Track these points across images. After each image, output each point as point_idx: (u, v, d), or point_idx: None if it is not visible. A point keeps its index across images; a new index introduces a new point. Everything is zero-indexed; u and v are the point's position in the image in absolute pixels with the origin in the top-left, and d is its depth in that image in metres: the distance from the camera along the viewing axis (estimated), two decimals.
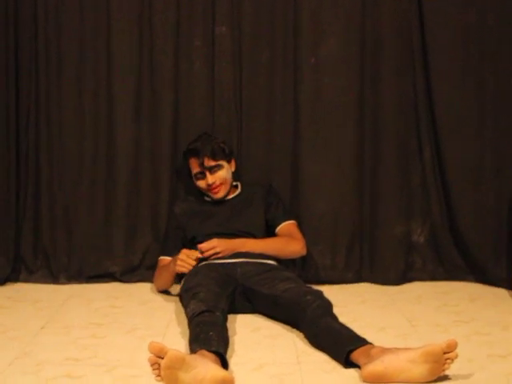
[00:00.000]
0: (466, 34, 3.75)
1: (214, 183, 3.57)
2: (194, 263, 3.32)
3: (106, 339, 2.90)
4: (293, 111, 3.83)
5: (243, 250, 3.43)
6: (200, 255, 3.36)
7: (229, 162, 3.65)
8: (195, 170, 3.61)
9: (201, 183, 3.61)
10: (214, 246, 3.39)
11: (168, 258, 3.55)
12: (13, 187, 3.82)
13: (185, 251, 3.35)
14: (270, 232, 3.64)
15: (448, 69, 3.76)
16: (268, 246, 3.50)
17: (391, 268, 3.82)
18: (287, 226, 3.63)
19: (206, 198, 3.69)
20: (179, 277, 3.45)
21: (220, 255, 3.39)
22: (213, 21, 3.80)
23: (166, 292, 3.61)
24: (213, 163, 3.56)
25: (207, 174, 3.56)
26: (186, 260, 3.31)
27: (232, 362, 2.61)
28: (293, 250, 3.57)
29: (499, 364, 2.59)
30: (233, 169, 3.69)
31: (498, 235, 3.78)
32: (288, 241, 3.57)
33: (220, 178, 3.58)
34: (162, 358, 2.28)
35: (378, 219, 3.85)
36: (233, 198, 3.68)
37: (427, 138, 3.84)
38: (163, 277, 3.53)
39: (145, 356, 2.31)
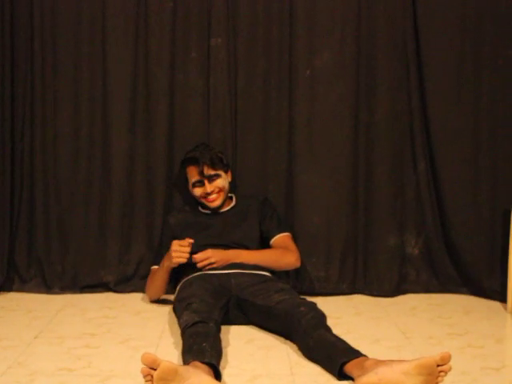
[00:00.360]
0: (461, 48, 3.76)
1: (212, 191, 3.57)
2: (188, 250, 3.33)
3: (100, 349, 2.90)
4: (288, 123, 3.84)
5: (237, 260, 3.43)
6: (192, 241, 3.36)
7: (226, 172, 3.66)
8: (194, 178, 3.61)
9: (198, 191, 3.61)
10: (209, 256, 3.39)
11: None
12: (7, 196, 3.81)
13: (176, 241, 3.36)
14: (264, 244, 3.64)
15: (443, 81, 3.77)
16: (262, 257, 3.50)
17: (385, 280, 3.82)
18: (282, 237, 3.63)
19: (202, 210, 3.69)
20: (173, 284, 3.45)
21: (214, 265, 3.39)
22: (208, 32, 3.81)
23: (158, 301, 3.61)
24: (212, 172, 3.57)
25: (206, 182, 3.57)
26: (179, 249, 3.32)
27: (225, 373, 2.61)
28: (287, 262, 3.57)
29: (492, 377, 2.59)
30: (229, 179, 3.69)
31: (492, 248, 3.78)
32: (282, 253, 3.57)
33: (218, 186, 3.58)
34: (155, 370, 2.27)
35: (372, 231, 3.85)
36: (228, 211, 3.68)
37: (422, 151, 3.85)
38: (157, 280, 3.52)
39: (138, 366, 2.31)
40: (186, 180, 3.68)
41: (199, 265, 3.37)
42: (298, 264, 3.59)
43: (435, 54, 3.76)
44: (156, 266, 3.60)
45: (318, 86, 3.81)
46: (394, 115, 3.83)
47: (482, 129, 3.78)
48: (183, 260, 3.34)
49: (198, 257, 3.39)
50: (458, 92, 3.78)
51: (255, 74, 3.85)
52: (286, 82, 3.83)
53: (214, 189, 3.58)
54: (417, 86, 3.82)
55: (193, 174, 3.61)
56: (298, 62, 3.79)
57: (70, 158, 3.86)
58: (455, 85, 3.78)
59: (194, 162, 3.59)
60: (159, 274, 3.50)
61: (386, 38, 3.78)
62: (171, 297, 3.50)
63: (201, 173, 3.56)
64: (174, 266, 3.39)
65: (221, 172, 3.61)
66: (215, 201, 3.60)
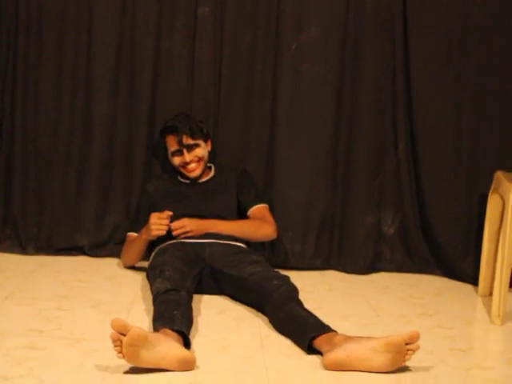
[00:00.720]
0: (448, 29, 3.75)
1: (191, 161, 3.56)
2: (167, 222, 3.34)
3: (71, 312, 2.90)
4: (271, 97, 3.82)
5: (213, 230, 3.43)
6: (171, 213, 3.36)
7: (206, 141, 3.65)
8: (173, 147, 3.60)
9: (177, 160, 3.59)
10: (185, 224, 3.39)
11: (136, 235, 3.55)
12: None
13: (154, 214, 3.37)
14: (241, 216, 3.63)
15: (428, 63, 3.76)
16: (239, 227, 3.50)
17: (360, 257, 3.84)
18: (259, 209, 3.63)
19: (181, 179, 3.67)
20: (149, 251, 3.45)
21: (190, 234, 3.39)
22: (196, 1, 3.78)
23: (132, 268, 3.61)
24: (191, 141, 3.55)
25: (185, 151, 3.55)
26: (159, 222, 3.33)
27: (195, 342, 2.62)
28: (264, 233, 3.57)
29: (460, 358, 2.61)
30: (209, 148, 3.68)
31: (467, 232, 3.80)
32: (259, 224, 3.57)
33: (197, 155, 3.57)
34: (125, 335, 2.27)
35: (349, 208, 3.86)
36: (206, 182, 3.66)
37: (403, 131, 3.85)
38: (133, 249, 3.53)
39: (108, 331, 2.31)
40: (166, 149, 3.67)
41: (174, 233, 3.37)
42: (274, 235, 3.59)
43: (422, 36, 3.75)
44: (132, 233, 3.59)
45: (302, 62, 3.79)
46: (377, 96, 3.82)
47: (464, 113, 3.78)
48: (162, 232, 3.35)
49: (173, 225, 3.38)
50: (443, 75, 3.77)
51: (241, 45, 3.83)
52: (272, 56, 3.81)
53: (193, 158, 3.57)
54: (402, 67, 3.81)
55: (172, 144, 3.60)
56: (284, 35, 3.77)
57: (51, 120, 3.83)
58: (440, 68, 3.77)
59: (173, 130, 3.58)
60: (136, 244, 3.50)
61: (374, 17, 3.76)
62: (145, 263, 3.50)
63: (180, 142, 3.55)
64: (152, 238, 3.39)
65: (200, 141, 3.59)
66: (194, 170, 3.59)
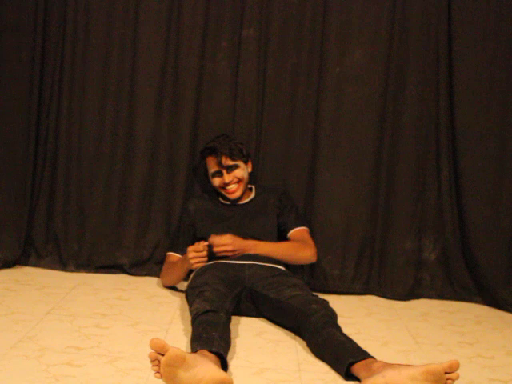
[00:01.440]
0: (493, 54, 3.74)
1: (230, 182, 3.57)
2: (205, 254, 3.33)
3: (110, 330, 2.91)
4: (314, 119, 3.83)
5: (254, 251, 3.43)
6: (206, 243, 3.35)
7: (245, 162, 3.66)
8: (213, 168, 3.61)
9: (217, 181, 3.61)
10: (227, 243, 3.39)
11: (176, 255, 3.57)
12: (30, 172, 3.83)
13: (191, 248, 3.36)
14: (281, 238, 3.63)
15: (472, 89, 3.75)
16: (279, 249, 3.50)
17: (399, 283, 3.81)
18: (300, 231, 3.62)
19: (221, 200, 3.68)
20: (188, 274, 3.46)
21: (229, 254, 3.39)
22: (241, 23, 3.81)
23: (172, 288, 3.62)
24: (230, 162, 3.57)
25: (224, 172, 3.57)
26: (196, 255, 3.32)
27: (232, 364, 2.61)
28: (304, 256, 3.56)
29: None
30: (249, 170, 3.69)
31: (510, 259, 3.76)
32: (300, 246, 3.56)
33: (237, 176, 3.58)
34: (163, 355, 2.28)
35: (390, 233, 3.84)
36: (247, 203, 3.67)
37: (446, 157, 3.83)
38: (174, 273, 3.54)
39: (146, 350, 2.32)
40: (206, 170, 3.69)
41: (215, 249, 3.37)
42: (314, 259, 3.58)
43: (467, 58, 3.74)
44: (172, 253, 3.61)
45: (346, 85, 3.80)
46: (420, 119, 3.81)
47: (508, 139, 3.75)
48: (201, 264, 3.35)
49: (216, 241, 3.38)
50: (487, 99, 3.75)
51: (285, 67, 3.84)
52: (315, 78, 3.82)
53: (233, 179, 3.58)
54: (446, 92, 3.80)
55: (211, 165, 3.62)
56: (328, 58, 3.78)
57: (94, 138, 3.87)
58: (485, 92, 3.75)
59: (213, 152, 3.60)
60: (176, 270, 3.52)
61: (419, 40, 3.77)
62: (184, 283, 3.50)
63: (219, 163, 3.56)
64: (192, 268, 3.40)
65: (239, 163, 3.60)
66: (235, 192, 3.60)
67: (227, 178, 3.57)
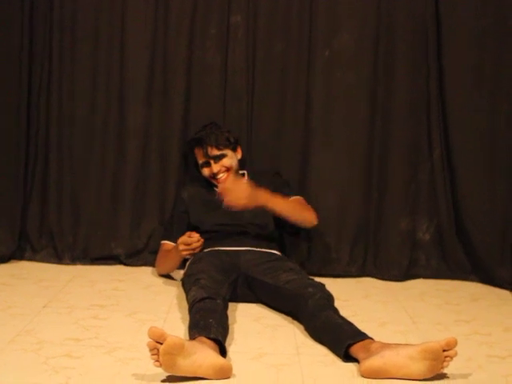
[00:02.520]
0: (483, 30, 3.72)
1: (219, 171, 3.57)
2: (196, 245, 3.30)
3: (108, 321, 2.92)
4: (304, 103, 3.83)
5: (266, 205, 3.33)
6: (197, 235, 3.30)
7: (234, 150, 3.65)
8: (200, 159, 3.61)
9: (206, 172, 3.60)
10: (241, 197, 3.25)
11: (170, 243, 3.56)
12: (22, 165, 3.83)
13: (180, 241, 3.32)
14: (278, 221, 3.59)
15: (462, 66, 3.74)
16: (291, 205, 3.47)
17: (395, 264, 3.82)
18: (297, 199, 3.59)
19: (215, 188, 3.67)
20: (183, 262, 3.46)
21: (241, 203, 3.26)
22: (228, 9, 3.80)
23: (167, 276, 3.63)
24: (217, 152, 3.56)
25: (212, 162, 3.56)
26: (186, 248, 3.31)
27: (231, 350, 2.62)
28: (308, 216, 3.52)
29: (498, 365, 2.59)
30: (239, 156, 3.68)
31: (504, 236, 3.76)
32: (305, 207, 3.56)
33: (225, 165, 3.57)
34: (161, 344, 2.28)
35: (385, 214, 3.85)
36: None
37: (438, 136, 3.82)
38: (168, 262, 3.54)
39: (145, 339, 2.32)
40: (196, 161, 3.69)
41: (220, 193, 3.29)
42: (315, 222, 3.53)
43: (456, 36, 3.73)
44: (166, 241, 3.60)
45: (335, 68, 3.80)
46: (411, 100, 3.81)
47: (500, 117, 3.75)
48: (191, 253, 3.33)
49: (230, 196, 3.26)
50: (477, 77, 3.75)
51: (274, 52, 3.84)
52: (304, 63, 3.81)
53: (221, 168, 3.57)
54: (435, 72, 3.79)
55: (199, 156, 3.62)
56: (316, 42, 3.78)
57: (85, 131, 3.86)
58: (475, 70, 3.75)
59: (199, 143, 3.60)
60: (170, 259, 3.51)
61: (407, 21, 3.76)
62: (180, 272, 3.51)
63: (206, 154, 3.56)
64: (183, 257, 3.40)
65: (227, 151, 3.59)
66: (224, 182, 3.59)
67: (215, 167, 3.56)
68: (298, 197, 3.63)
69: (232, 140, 3.63)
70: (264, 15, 3.81)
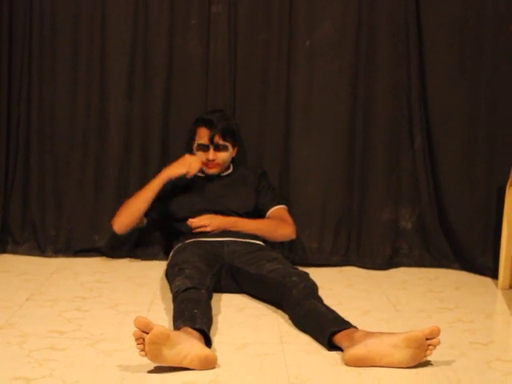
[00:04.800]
0: (462, 20, 3.73)
1: (213, 160, 3.56)
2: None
3: (91, 313, 2.91)
4: (286, 94, 3.82)
5: (234, 229, 3.44)
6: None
7: (234, 146, 3.65)
8: (201, 140, 3.58)
9: (200, 154, 3.59)
10: (205, 224, 3.40)
11: None
12: (2, 159, 3.81)
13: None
14: (260, 217, 3.62)
15: (443, 55, 3.75)
16: (259, 226, 3.51)
17: (378, 253, 3.84)
18: (278, 210, 3.62)
19: (199, 173, 3.65)
20: (167, 251, 3.45)
21: (209, 230, 3.40)
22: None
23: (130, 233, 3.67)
24: (221, 142, 3.55)
25: (211, 149, 3.55)
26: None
27: (215, 340, 2.62)
28: (283, 233, 3.57)
29: (481, 351, 2.60)
30: (233, 154, 3.68)
31: (485, 224, 3.78)
32: (279, 224, 3.57)
33: (221, 158, 3.57)
34: (147, 333, 2.28)
35: (367, 204, 3.86)
36: (225, 176, 3.67)
37: (419, 125, 3.83)
38: (137, 200, 3.53)
39: (128, 331, 2.32)
40: (192, 139, 3.66)
41: (194, 230, 3.38)
42: (293, 236, 3.60)
43: (436, 28, 3.74)
44: None
45: (317, 58, 3.80)
46: (392, 90, 3.82)
47: (480, 106, 3.76)
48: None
49: (194, 222, 3.39)
50: (458, 68, 3.76)
51: (255, 43, 3.83)
52: (286, 53, 3.81)
53: (216, 159, 3.56)
54: (416, 62, 3.80)
55: (202, 136, 3.58)
56: (298, 32, 3.78)
57: (67, 123, 3.85)
58: (455, 60, 3.75)
59: (209, 124, 3.56)
60: (147, 188, 3.51)
61: (387, 11, 3.76)
62: (164, 263, 3.51)
63: (211, 139, 3.54)
64: (177, 175, 3.46)
65: (229, 144, 3.59)
66: (212, 168, 3.59)
67: (211, 155, 3.55)
68: (279, 206, 3.64)
69: (237, 136, 3.65)
70: (245, 5, 3.79)
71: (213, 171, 3.60)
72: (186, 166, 3.46)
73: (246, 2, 3.80)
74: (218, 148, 3.56)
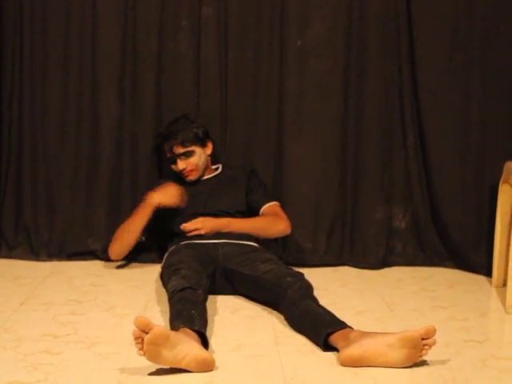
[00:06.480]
0: (453, 18, 3.74)
1: (184, 169, 3.56)
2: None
3: (86, 316, 2.91)
4: (278, 93, 3.83)
5: (228, 230, 3.43)
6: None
7: (203, 146, 3.63)
8: (167, 153, 3.60)
9: (173, 167, 3.61)
10: (198, 227, 3.40)
11: None
12: None
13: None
14: (254, 215, 3.61)
15: (433, 54, 3.76)
16: (254, 225, 3.50)
17: (371, 252, 3.84)
18: (271, 206, 3.61)
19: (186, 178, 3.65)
20: (161, 254, 3.45)
21: (203, 233, 3.40)
22: (199, 1, 3.78)
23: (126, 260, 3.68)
24: (182, 150, 3.54)
25: (177, 160, 3.56)
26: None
27: (211, 341, 2.61)
28: (278, 229, 3.56)
29: (475, 349, 2.61)
30: (208, 152, 3.66)
31: (479, 222, 3.79)
32: (273, 220, 3.56)
33: (191, 164, 3.57)
34: (147, 333, 2.27)
35: (360, 203, 3.87)
36: (212, 178, 3.67)
37: (411, 124, 3.84)
38: (130, 225, 3.52)
39: (124, 333, 2.32)
40: (165, 154, 3.67)
41: (188, 234, 3.38)
42: (288, 231, 3.58)
43: (427, 25, 3.75)
44: None
45: (308, 58, 3.80)
46: (383, 88, 3.83)
47: (472, 103, 3.77)
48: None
49: (187, 226, 3.39)
50: (449, 65, 3.76)
51: (246, 44, 3.83)
52: (277, 53, 3.82)
53: (187, 166, 3.56)
54: (407, 60, 3.81)
55: (166, 150, 3.61)
56: (289, 32, 3.78)
57: (58, 126, 3.85)
58: (446, 58, 3.76)
59: (166, 137, 3.58)
60: (134, 219, 3.50)
61: (378, 9, 3.77)
62: (158, 266, 3.50)
63: (170, 151, 3.56)
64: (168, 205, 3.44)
65: (194, 148, 3.57)
66: (190, 176, 3.59)
67: (180, 164, 3.56)
68: (272, 203, 3.63)
69: (201, 136, 3.61)
70: (235, 6, 3.80)
71: (191, 178, 3.60)
72: (178, 197, 3.44)
73: (236, 4, 3.79)
74: (183, 156, 3.55)
